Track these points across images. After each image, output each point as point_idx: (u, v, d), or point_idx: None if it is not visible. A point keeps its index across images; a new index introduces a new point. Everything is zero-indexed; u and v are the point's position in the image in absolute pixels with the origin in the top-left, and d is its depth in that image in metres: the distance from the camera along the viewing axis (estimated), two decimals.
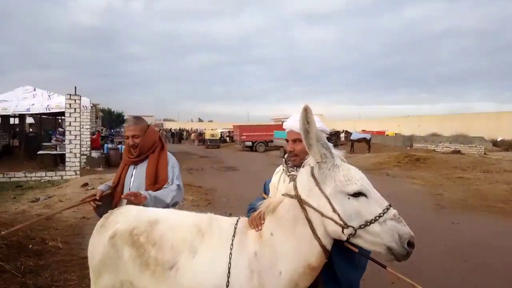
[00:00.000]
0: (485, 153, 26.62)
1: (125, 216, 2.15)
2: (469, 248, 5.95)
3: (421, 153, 21.84)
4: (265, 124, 34.49)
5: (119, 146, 19.67)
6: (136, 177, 2.89)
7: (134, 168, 2.94)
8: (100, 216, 2.36)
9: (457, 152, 25.37)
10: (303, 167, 1.84)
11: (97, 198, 2.71)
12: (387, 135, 44.71)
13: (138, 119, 3.01)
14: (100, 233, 2.16)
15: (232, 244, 1.78)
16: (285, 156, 2.29)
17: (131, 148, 2.91)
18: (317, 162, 1.72)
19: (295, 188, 1.77)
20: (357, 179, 1.68)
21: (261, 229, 1.82)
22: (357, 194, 1.65)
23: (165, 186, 2.85)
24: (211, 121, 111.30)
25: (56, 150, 15.71)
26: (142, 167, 2.92)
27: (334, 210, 1.64)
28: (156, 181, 2.85)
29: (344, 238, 1.64)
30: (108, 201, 2.80)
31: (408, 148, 32.28)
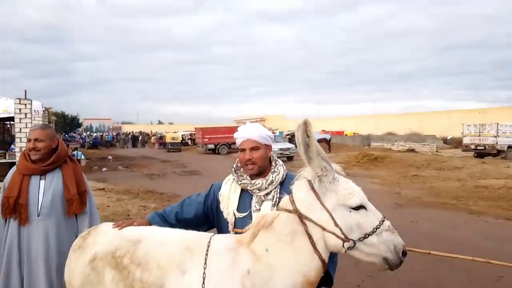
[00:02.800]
0: (437, 151, 28.09)
1: (104, 236, 2.03)
2: (429, 242, 6.20)
3: (379, 152, 22.66)
4: (227, 126, 34.32)
5: (75, 152, 18.84)
6: (47, 190, 2.63)
7: (40, 179, 2.65)
8: None
9: (412, 150, 26.58)
10: (296, 179, 1.81)
11: None
12: (346, 135, 46.07)
13: (46, 125, 2.99)
14: (78, 255, 2.03)
15: (205, 263, 1.71)
16: (234, 165, 2.26)
17: (31, 151, 2.64)
18: (318, 176, 1.70)
19: (293, 202, 1.73)
20: (358, 192, 1.70)
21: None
22: (359, 207, 1.66)
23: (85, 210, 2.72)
24: (171, 123, 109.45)
25: (4, 158, 14.73)
26: (54, 177, 2.67)
27: (336, 224, 1.63)
28: (78, 191, 2.67)
29: (343, 251, 1.64)
30: None
31: (366, 147, 33.39)
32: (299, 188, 1.76)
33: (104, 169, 19.14)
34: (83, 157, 18.69)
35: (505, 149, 22.57)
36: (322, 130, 40.36)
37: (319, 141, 29.34)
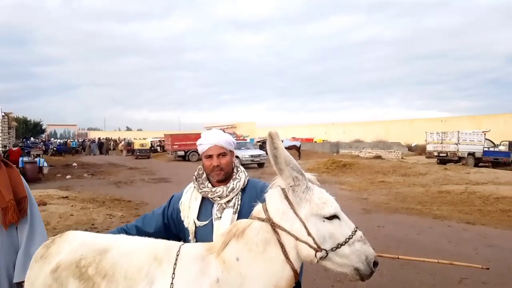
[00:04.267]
0: (402, 158, 29.02)
1: (69, 245, 1.90)
2: (395, 246, 6.35)
3: (347, 159, 23.12)
4: (197, 132, 33.98)
5: (37, 159, 18.05)
6: None
7: None
8: None
9: (378, 157, 27.31)
10: (270, 188, 1.79)
11: None
12: (316, 142, 46.77)
13: None
14: (40, 265, 1.89)
15: (173, 273, 1.65)
16: (196, 173, 2.24)
17: None
18: (290, 186, 1.69)
19: (266, 210, 1.71)
20: (331, 201, 1.69)
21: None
22: (332, 217, 1.65)
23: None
24: (140, 129, 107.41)
25: None
26: None
27: (309, 234, 1.61)
28: (15, 197, 2.32)
29: (315, 261, 1.62)
30: None
31: (335, 154, 34.02)
32: (273, 197, 1.74)
33: (68, 176, 18.45)
34: (45, 164, 17.94)
35: (466, 156, 23.65)
36: (292, 137, 40.79)
37: (290, 148, 29.79)
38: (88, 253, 1.81)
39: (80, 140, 56.45)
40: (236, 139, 22.55)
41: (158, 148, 42.60)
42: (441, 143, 25.02)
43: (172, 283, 1.63)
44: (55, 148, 39.31)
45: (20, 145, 24.34)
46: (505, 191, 11.73)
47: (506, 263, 5.71)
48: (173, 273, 1.66)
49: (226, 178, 2.16)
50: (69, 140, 53.26)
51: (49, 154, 34.78)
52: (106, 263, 1.76)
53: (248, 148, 24.64)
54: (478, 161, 23.65)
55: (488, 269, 2.06)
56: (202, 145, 2.20)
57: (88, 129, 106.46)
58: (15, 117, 31.59)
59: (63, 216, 8.02)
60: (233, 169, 2.22)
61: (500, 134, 30.59)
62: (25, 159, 17.44)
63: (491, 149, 24.77)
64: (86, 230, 4.41)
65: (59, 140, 54.93)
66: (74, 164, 25.64)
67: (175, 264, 1.69)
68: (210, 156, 2.16)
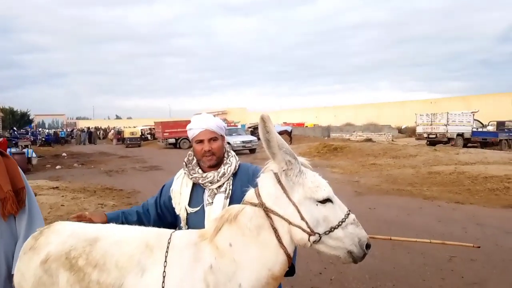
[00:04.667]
0: (392, 140, 29.29)
1: (58, 236, 1.87)
2: (387, 228, 6.45)
3: (338, 143, 23.26)
4: (188, 119, 33.83)
5: (25, 150, 17.81)
6: None
7: None
8: None
9: (369, 140, 27.53)
10: (262, 172, 1.77)
11: None
12: (307, 126, 46.88)
13: None
14: (30, 257, 1.86)
15: (165, 261, 1.63)
16: (186, 159, 2.22)
17: None
18: (283, 170, 1.67)
19: (259, 195, 1.69)
20: (325, 185, 1.68)
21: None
22: (325, 201, 1.65)
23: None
24: (130, 118, 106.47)
25: None
26: None
27: (302, 218, 1.61)
28: (14, 188, 2.29)
29: (309, 245, 1.62)
30: None
31: (326, 138, 34.20)
32: (266, 181, 1.73)
33: (58, 167, 18.25)
34: (34, 155, 17.71)
35: (455, 136, 23.95)
36: (284, 122, 40.88)
37: (281, 133, 29.82)
38: (77, 244, 1.79)
39: (69, 130, 55.74)
40: (227, 125, 22.47)
41: (149, 136, 42.29)
42: (431, 125, 25.27)
43: (164, 271, 1.62)
44: (43, 139, 38.83)
45: (7, 136, 23.97)
46: (493, 170, 11.92)
47: (493, 240, 5.84)
48: (165, 261, 1.64)
49: (217, 163, 2.14)
50: (57, 130, 52.57)
51: (37, 145, 34.33)
52: (96, 253, 1.74)
53: (240, 134, 24.57)
54: (467, 141, 23.98)
55: (479, 247, 2.09)
56: (193, 130, 2.16)
57: (77, 118, 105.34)
58: (1, 107, 31.02)
59: (53, 206, 7.96)
60: (224, 154, 2.19)
61: (490, 114, 30.97)
62: (13, 150, 17.19)
63: (480, 129, 25.10)
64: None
65: (47, 130, 54.17)
66: (64, 154, 25.38)
67: (167, 251, 1.67)
68: (201, 141, 2.13)
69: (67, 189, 10.70)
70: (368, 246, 1.68)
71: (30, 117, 70.42)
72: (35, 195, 2.61)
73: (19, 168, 2.45)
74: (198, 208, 2.08)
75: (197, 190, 2.14)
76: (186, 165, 2.19)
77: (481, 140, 23.62)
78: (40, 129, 58.82)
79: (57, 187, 10.63)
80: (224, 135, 2.23)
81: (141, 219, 2.24)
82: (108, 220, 2.15)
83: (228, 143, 2.37)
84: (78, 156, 24.64)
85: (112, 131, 46.81)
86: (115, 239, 1.79)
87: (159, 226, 2.10)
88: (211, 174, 2.09)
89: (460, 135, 24.15)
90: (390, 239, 2.11)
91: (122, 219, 2.21)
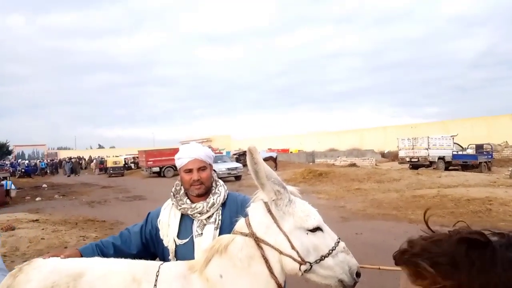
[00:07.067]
0: (376, 164, 29.63)
1: (39, 272, 1.76)
2: (373, 253, 6.41)
3: (323, 168, 23.38)
4: (172, 148, 33.57)
5: (4, 182, 17.29)
6: None
7: None
8: None
9: (353, 165, 27.79)
10: (252, 201, 1.76)
11: None
12: (291, 152, 47.10)
13: None
14: None
15: None
16: (173, 189, 2.18)
17: None
18: (273, 200, 1.67)
19: (249, 225, 1.67)
20: (314, 214, 1.68)
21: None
22: (315, 229, 1.64)
23: None
24: (113, 147, 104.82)
25: None
26: None
27: (293, 247, 1.59)
28: None
29: (300, 274, 1.60)
30: None
31: (311, 163, 34.36)
32: (256, 211, 1.72)
33: (38, 198, 17.73)
34: (13, 187, 17.20)
35: (436, 160, 24.41)
36: (268, 149, 40.94)
37: (266, 159, 29.86)
38: (60, 280, 1.71)
39: (49, 160, 54.54)
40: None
41: (132, 165, 41.73)
42: (413, 149, 25.74)
43: None
44: (23, 170, 37.83)
45: None
46: (474, 192, 12.12)
47: None
48: None
49: (206, 192, 2.11)
50: (37, 161, 51.39)
51: (17, 176, 33.43)
52: None
53: (225, 161, 24.50)
54: (448, 164, 24.46)
55: None
56: (181, 159, 2.14)
57: (58, 148, 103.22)
58: None
59: (33, 240, 7.67)
60: (212, 183, 2.18)
61: (468, 138, 31.84)
62: None
63: (460, 152, 25.69)
64: None
65: (27, 161, 52.90)
66: (44, 185, 24.75)
67: (155, 285, 1.63)
68: (190, 170, 2.11)
69: (48, 221, 10.35)
70: (358, 274, 1.66)
71: (9, 148, 68.86)
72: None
73: None
74: (187, 239, 2.04)
75: (185, 221, 2.10)
76: (174, 195, 2.15)
77: (461, 163, 24.14)
78: (19, 160, 57.34)
79: (37, 220, 10.28)
80: (212, 164, 2.22)
81: (119, 251, 2.10)
82: (82, 256, 2.00)
83: (214, 170, 2.36)
84: (59, 187, 24.03)
85: (95, 160, 46.03)
86: (100, 273, 1.73)
87: (142, 256, 2.04)
88: (200, 205, 2.06)
89: (441, 158, 24.63)
90: (379, 268, 2.10)
91: (98, 253, 2.05)
